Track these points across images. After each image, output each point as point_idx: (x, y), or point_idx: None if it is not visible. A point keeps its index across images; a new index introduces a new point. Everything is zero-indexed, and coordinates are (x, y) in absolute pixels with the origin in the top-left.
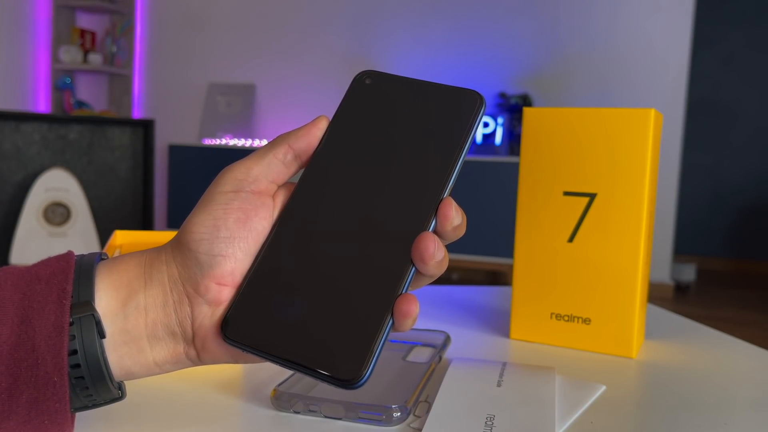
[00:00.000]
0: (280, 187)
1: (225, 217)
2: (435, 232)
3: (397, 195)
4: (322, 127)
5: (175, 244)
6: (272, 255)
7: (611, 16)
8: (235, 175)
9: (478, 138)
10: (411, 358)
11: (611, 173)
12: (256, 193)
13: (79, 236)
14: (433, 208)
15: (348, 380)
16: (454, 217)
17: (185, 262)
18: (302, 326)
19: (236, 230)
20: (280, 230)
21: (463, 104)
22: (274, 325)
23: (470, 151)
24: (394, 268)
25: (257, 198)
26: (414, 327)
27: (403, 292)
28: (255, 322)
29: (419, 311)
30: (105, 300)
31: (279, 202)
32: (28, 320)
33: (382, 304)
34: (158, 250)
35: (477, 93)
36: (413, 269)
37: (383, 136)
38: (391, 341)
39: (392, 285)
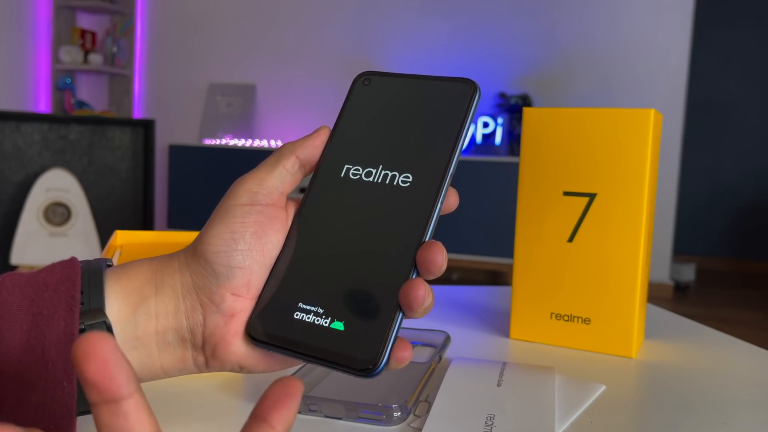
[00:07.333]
0: (288, 198)
1: (242, 230)
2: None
3: (397, 202)
4: (324, 138)
5: (191, 253)
6: (289, 263)
7: (611, 16)
8: (249, 187)
9: (478, 138)
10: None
11: (611, 173)
12: (270, 205)
13: (79, 236)
14: (426, 215)
15: (366, 369)
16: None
17: (200, 271)
18: (320, 325)
19: (253, 243)
20: (294, 241)
21: (457, 95)
22: (295, 324)
23: (470, 152)
24: (398, 269)
25: (271, 210)
26: (414, 327)
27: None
28: (277, 323)
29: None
30: (116, 307)
31: (290, 213)
32: (37, 326)
33: (390, 298)
34: (169, 258)
35: (470, 82)
36: (415, 271)
37: (382, 139)
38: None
39: (398, 280)
